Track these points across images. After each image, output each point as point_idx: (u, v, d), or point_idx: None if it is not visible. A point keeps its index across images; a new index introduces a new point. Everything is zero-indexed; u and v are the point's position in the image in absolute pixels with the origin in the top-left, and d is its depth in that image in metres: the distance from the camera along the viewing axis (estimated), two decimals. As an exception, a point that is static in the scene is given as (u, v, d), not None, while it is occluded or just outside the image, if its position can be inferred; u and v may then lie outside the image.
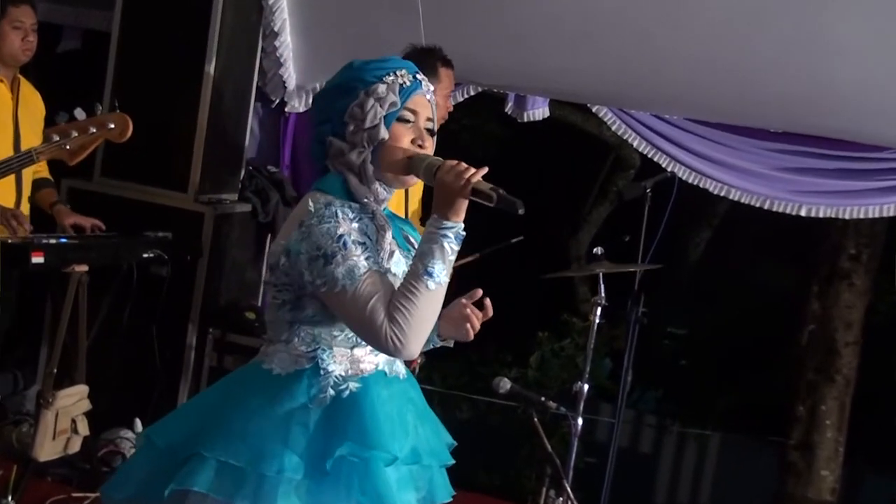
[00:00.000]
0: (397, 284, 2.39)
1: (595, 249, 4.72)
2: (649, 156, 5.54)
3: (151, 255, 4.61)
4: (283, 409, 2.39)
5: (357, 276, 2.31)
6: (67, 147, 3.34)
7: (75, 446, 4.31)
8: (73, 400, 4.28)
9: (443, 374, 8.45)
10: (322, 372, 2.42)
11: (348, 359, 2.45)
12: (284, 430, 2.37)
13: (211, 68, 4.98)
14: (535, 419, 4.35)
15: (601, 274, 4.63)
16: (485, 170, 2.36)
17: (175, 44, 5.02)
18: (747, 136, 5.37)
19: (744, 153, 5.39)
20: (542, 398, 4.38)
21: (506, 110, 5.68)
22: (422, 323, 2.32)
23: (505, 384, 4.37)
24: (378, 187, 2.47)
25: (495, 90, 5.69)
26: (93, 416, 4.37)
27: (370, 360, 2.47)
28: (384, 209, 2.52)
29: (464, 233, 2.37)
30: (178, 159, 5.00)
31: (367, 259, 2.34)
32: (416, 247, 2.48)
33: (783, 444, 7.39)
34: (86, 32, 6.09)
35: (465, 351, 8.47)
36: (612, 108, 5.53)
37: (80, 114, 3.34)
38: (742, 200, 5.42)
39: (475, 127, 8.98)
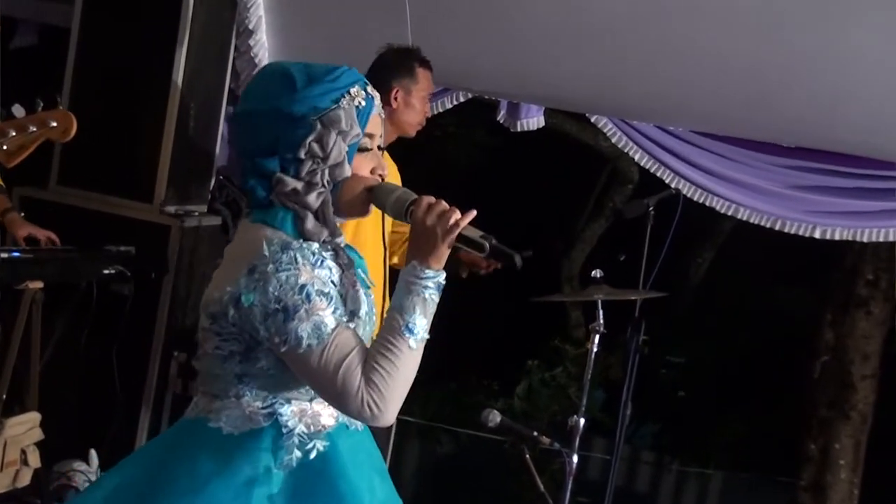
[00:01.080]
0: (362, 328, 2.34)
1: (594, 272, 4.75)
2: (652, 171, 5.57)
3: (112, 271, 4.61)
4: (242, 475, 2.30)
5: (324, 335, 2.22)
6: (5, 147, 3.21)
7: (25, 479, 4.31)
8: (24, 429, 4.28)
9: (421, 403, 8.47)
10: (284, 430, 2.33)
11: (307, 414, 2.36)
12: (245, 499, 2.28)
13: (180, 68, 4.98)
14: (528, 455, 4.39)
15: (599, 300, 4.67)
16: (473, 213, 2.31)
17: (141, 41, 5.02)
18: (758, 151, 5.40)
19: (754, 169, 5.42)
20: (535, 433, 4.42)
21: (497, 118, 5.72)
22: (402, 386, 2.26)
23: (495, 417, 4.41)
24: (336, 225, 2.41)
25: (487, 97, 5.73)
26: (45, 446, 4.37)
27: (329, 412, 2.39)
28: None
29: (444, 281, 2.31)
30: (142, 167, 5.00)
31: (334, 312, 2.25)
32: (368, 279, 2.46)
33: (793, 484, 7.39)
34: (43, 27, 6.09)
35: (446, 379, 8.52)
36: (613, 119, 5.56)
37: (18, 110, 3.22)
38: (751, 220, 5.45)
39: (462, 135, 8.99)
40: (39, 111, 3.25)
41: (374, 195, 2.38)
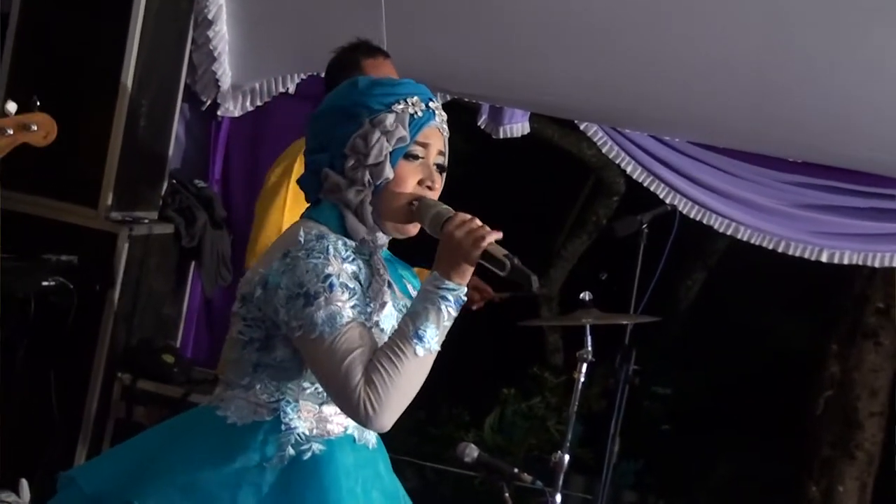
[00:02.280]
0: (382, 340, 2.47)
1: (582, 294, 4.75)
2: (645, 184, 5.61)
3: (52, 283, 4.59)
4: (234, 464, 2.47)
5: (338, 325, 2.39)
6: None
7: (-51, 510, 4.28)
8: (-49, 455, 4.27)
9: (386, 434, 8.41)
10: (283, 427, 2.50)
11: (315, 416, 2.54)
12: (233, 489, 2.45)
13: (130, 61, 4.95)
14: (507, 494, 4.41)
15: (588, 325, 4.69)
16: (499, 234, 2.48)
17: (87, 30, 5.00)
18: (761, 166, 5.46)
19: (756, 185, 5.48)
20: (515, 469, 4.44)
21: (478, 123, 5.75)
22: (402, 392, 2.40)
23: (472, 451, 4.42)
24: (378, 234, 2.59)
25: (467, 100, 5.76)
26: (-28, 474, 4.34)
27: (339, 420, 2.55)
28: (383, 252, 2.64)
29: (465, 297, 2.48)
30: (86, 168, 4.95)
31: (352, 307, 2.43)
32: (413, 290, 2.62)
33: (792, 530, 7.44)
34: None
35: (412, 407, 8.35)
36: (603, 126, 5.60)
37: (11, 106, 3.30)
38: (752, 240, 5.51)
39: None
40: (12, 112, 3.24)
41: (417, 210, 2.56)
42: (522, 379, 8.73)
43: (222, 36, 5.41)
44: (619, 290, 4.98)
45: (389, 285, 2.57)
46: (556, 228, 10.10)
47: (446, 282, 2.45)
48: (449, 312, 2.45)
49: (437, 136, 2.61)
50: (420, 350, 2.40)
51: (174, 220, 5.37)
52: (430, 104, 2.60)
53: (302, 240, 2.46)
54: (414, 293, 2.62)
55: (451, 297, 2.45)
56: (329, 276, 2.42)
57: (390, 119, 2.53)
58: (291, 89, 5.63)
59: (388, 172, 2.53)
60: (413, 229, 2.62)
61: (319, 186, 2.60)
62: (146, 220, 5.22)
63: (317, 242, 2.45)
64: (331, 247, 2.45)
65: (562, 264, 9.64)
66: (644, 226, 4.93)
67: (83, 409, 4.93)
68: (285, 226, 3.54)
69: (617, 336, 4.96)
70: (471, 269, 2.47)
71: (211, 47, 5.41)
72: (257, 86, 5.63)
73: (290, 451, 2.49)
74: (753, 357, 9.67)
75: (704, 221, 5.57)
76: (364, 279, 2.50)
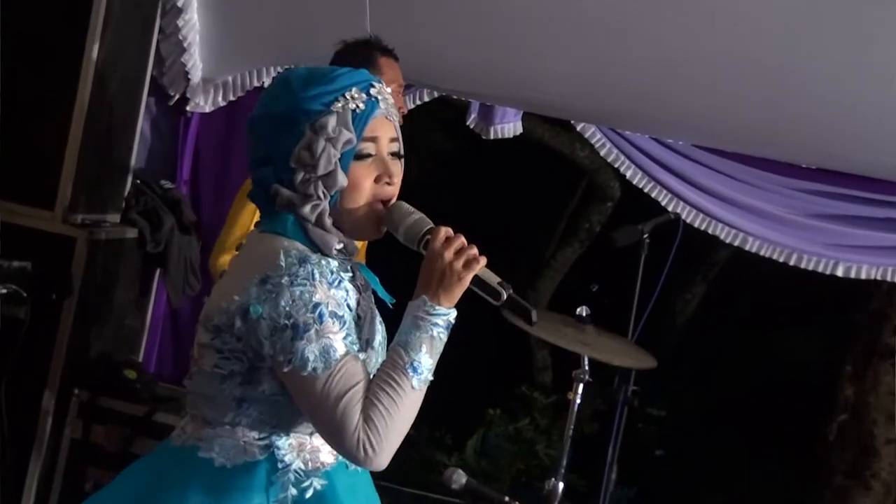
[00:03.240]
0: (375, 358, 2.52)
1: (578, 310, 4.76)
2: (646, 190, 5.64)
3: (4, 290, 4.55)
4: None
5: (332, 361, 2.39)
6: None
7: None
8: None
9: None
10: (280, 465, 2.50)
11: (307, 449, 2.55)
12: None
13: (93, 51, 4.92)
14: (497, 524, 4.40)
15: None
16: (484, 260, 2.50)
17: (45, 16, 4.98)
18: (772, 172, 5.48)
19: (767, 193, 5.50)
20: (506, 498, 4.43)
21: (467, 123, 5.76)
22: (400, 429, 2.42)
23: (459, 478, 4.40)
24: (345, 243, 2.58)
25: (455, 97, 5.76)
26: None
27: (329, 449, 2.56)
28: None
29: (454, 320, 2.49)
30: (42, 166, 4.94)
31: (345, 339, 2.42)
32: (386, 294, 2.65)
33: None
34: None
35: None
36: (602, 128, 5.62)
37: None
38: (761, 252, 5.52)
39: (413, 137, 8.93)
40: None
41: (387, 216, 2.55)
42: (509, 399, 8.69)
43: (193, 25, 5.39)
44: (612, 304, 5.04)
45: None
46: (545, 235, 10.09)
47: (437, 307, 2.46)
48: (441, 338, 2.47)
49: (385, 125, 2.58)
50: (416, 382, 2.42)
51: (138, 224, 5.34)
52: (371, 91, 2.56)
53: (283, 264, 2.42)
54: (376, 297, 2.67)
55: (441, 323, 2.47)
56: (318, 305, 2.40)
57: (332, 122, 2.49)
58: (267, 83, 5.58)
59: (342, 180, 2.51)
60: (379, 233, 2.61)
61: (271, 202, 2.56)
62: (107, 224, 5.19)
63: (300, 267, 2.42)
64: (316, 271, 2.43)
65: (551, 274, 9.60)
66: (645, 236, 4.92)
67: (36, 428, 4.91)
68: None
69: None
70: (461, 292, 2.49)
71: (180, 37, 5.39)
72: (230, 79, 5.63)
73: (292, 490, 2.50)
74: (758, 377, 9.66)
75: (709, 231, 5.59)
76: (352, 302, 2.50)
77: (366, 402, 2.38)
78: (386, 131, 2.58)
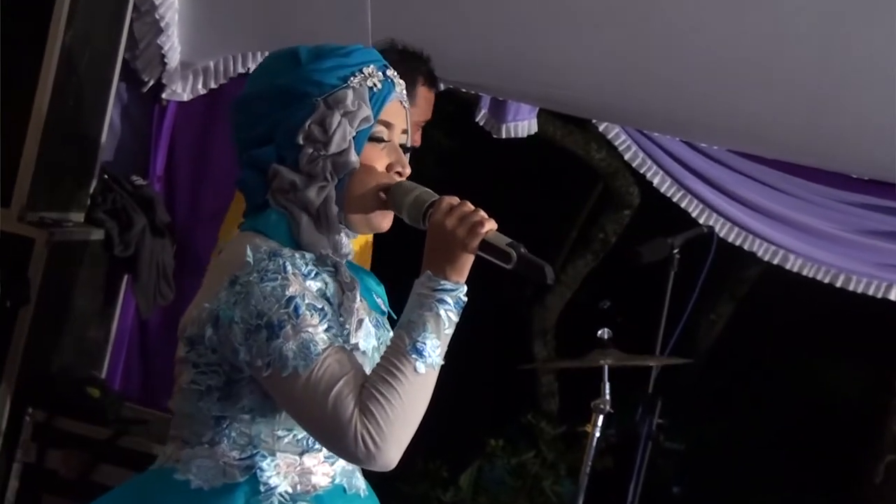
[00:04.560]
0: (367, 367, 2.46)
1: (600, 332, 4.78)
2: (675, 199, 5.65)
3: (-46, 296, 4.58)
4: None
5: (313, 355, 2.36)
6: None
7: None
8: None
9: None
10: (262, 488, 2.48)
11: (296, 470, 2.52)
12: None
13: (58, 30, 4.91)
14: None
15: (606, 367, 4.70)
16: (492, 223, 2.48)
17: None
18: (819, 182, 5.48)
19: (812, 206, 5.50)
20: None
21: (477, 119, 5.75)
22: (405, 419, 2.37)
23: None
24: (341, 237, 2.59)
25: (464, 90, 5.75)
26: None
27: (324, 471, 2.55)
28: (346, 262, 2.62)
29: (465, 298, 2.46)
30: (-1, 159, 4.97)
31: (326, 331, 2.40)
32: (385, 306, 2.65)
33: None
34: None
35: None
36: (627, 129, 5.61)
37: None
38: (804, 272, 5.52)
39: (407, 133, 8.92)
40: None
41: (390, 196, 2.55)
42: (512, 428, 8.66)
43: (171, 3, 5.38)
44: (625, 323, 5.07)
45: (361, 296, 2.58)
46: (554, 246, 10.06)
47: (442, 281, 2.44)
48: (449, 317, 2.43)
49: (399, 112, 2.62)
50: (421, 366, 2.39)
51: (105, 224, 5.32)
52: (388, 72, 2.60)
53: (251, 260, 2.43)
54: (385, 307, 2.68)
55: (449, 300, 2.44)
56: (292, 298, 2.39)
57: (349, 97, 2.52)
58: (252, 69, 5.37)
59: (354, 161, 2.53)
60: (385, 222, 2.62)
61: (266, 187, 2.56)
62: (70, 224, 5.18)
63: (270, 261, 2.42)
64: (287, 264, 2.42)
65: (560, 290, 9.54)
66: (675, 251, 4.93)
67: (-15, 450, 4.92)
68: None
69: (633, 381, 4.93)
70: (469, 263, 2.46)
71: (157, 16, 5.38)
72: (212, 64, 5.62)
73: None
74: (792, 411, 9.63)
75: (745, 247, 5.60)
76: (332, 296, 2.48)
77: (362, 393, 2.35)
78: (400, 120, 2.62)
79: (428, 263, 2.46)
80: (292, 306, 2.37)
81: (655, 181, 5.64)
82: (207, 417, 2.49)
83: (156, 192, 5.62)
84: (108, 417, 4.99)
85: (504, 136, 5.71)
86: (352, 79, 2.53)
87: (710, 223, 5.48)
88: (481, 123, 5.75)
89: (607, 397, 4.72)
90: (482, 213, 2.46)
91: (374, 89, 2.55)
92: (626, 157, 5.67)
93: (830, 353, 9.58)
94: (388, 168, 2.59)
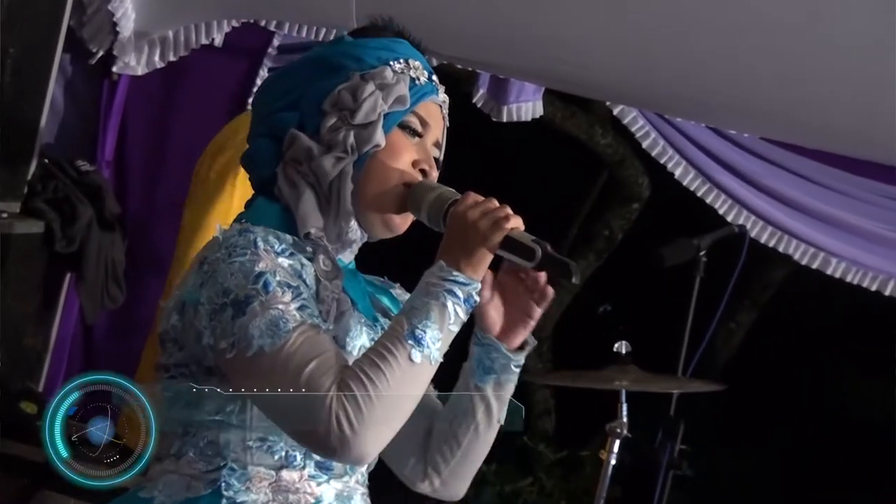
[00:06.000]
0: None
1: (617, 345, 4.74)
2: (699, 194, 5.64)
3: None
4: None
5: (282, 332, 2.35)
6: None
7: None
8: None
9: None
10: (225, 502, 2.45)
11: (271, 485, 2.49)
12: None
13: (-7, -6, 4.99)
14: None
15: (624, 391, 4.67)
16: (518, 220, 2.52)
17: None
18: (863, 176, 5.47)
19: (856, 202, 5.50)
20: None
21: (474, 100, 5.71)
22: (390, 408, 2.37)
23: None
24: (350, 224, 2.61)
25: (460, 66, 5.73)
26: None
27: (308, 487, 2.51)
28: (350, 263, 2.68)
29: (478, 297, 2.49)
30: (-77, 140, 5.01)
31: (299, 309, 2.40)
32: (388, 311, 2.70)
33: None
34: None
35: (370, 485, 8.26)
36: (646, 112, 5.60)
37: None
38: (848, 278, 5.51)
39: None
40: None
41: (410, 194, 2.60)
42: (507, 452, 8.64)
43: (122, -34, 5.41)
44: (627, 330, 5.00)
45: (351, 298, 2.59)
46: (554, 242, 10.00)
47: (455, 273, 2.45)
48: (457, 312, 2.43)
49: (437, 120, 2.69)
50: (417, 355, 2.37)
51: (45, 216, 5.36)
52: (433, 79, 2.68)
53: (220, 238, 2.47)
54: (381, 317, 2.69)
55: (460, 293, 2.44)
56: (262, 274, 2.39)
57: (388, 74, 2.59)
58: (218, 41, 5.65)
59: (379, 138, 2.57)
60: (402, 223, 2.66)
61: (277, 157, 2.60)
62: (5, 214, 5.26)
63: (239, 237, 2.44)
64: (259, 239, 2.43)
65: (558, 294, 9.50)
66: (702, 253, 4.85)
67: None
68: None
69: (647, 400, 4.88)
70: (488, 260, 2.49)
71: (108, -24, 5.38)
72: (171, 34, 5.64)
73: None
74: (816, 433, 9.68)
75: (780, 248, 5.59)
76: (309, 278, 2.48)
77: (344, 372, 2.33)
78: (436, 128, 2.69)
79: (442, 254, 2.48)
80: (261, 282, 2.38)
81: (678, 173, 5.63)
82: (175, 426, 2.50)
83: (104, 180, 5.63)
84: (47, 436, 4.96)
85: (506, 119, 5.71)
86: (394, 63, 2.61)
87: (741, 221, 5.45)
88: (479, 105, 5.72)
89: (624, 419, 4.70)
90: (508, 209, 2.48)
91: (417, 82, 2.63)
92: (644, 145, 5.67)
93: (862, 368, 9.63)
94: (414, 164, 2.62)
